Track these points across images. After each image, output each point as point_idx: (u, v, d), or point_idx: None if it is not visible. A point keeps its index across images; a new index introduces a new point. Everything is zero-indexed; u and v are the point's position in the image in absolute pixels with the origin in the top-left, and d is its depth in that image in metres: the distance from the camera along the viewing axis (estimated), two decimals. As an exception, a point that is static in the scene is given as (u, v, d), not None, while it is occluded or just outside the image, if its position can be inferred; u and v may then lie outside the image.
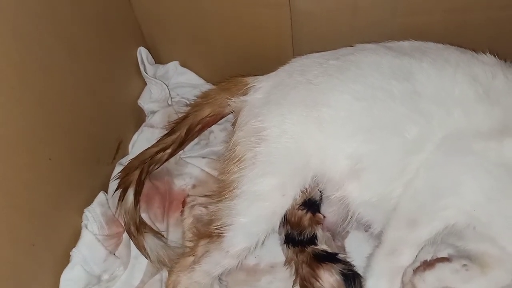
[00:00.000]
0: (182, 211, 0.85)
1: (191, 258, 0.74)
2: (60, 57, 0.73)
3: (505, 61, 0.76)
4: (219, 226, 0.71)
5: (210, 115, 0.88)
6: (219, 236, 0.71)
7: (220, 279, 0.77)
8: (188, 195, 0.89)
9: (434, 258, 0.75)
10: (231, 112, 0.87)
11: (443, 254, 0.75)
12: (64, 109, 0.74)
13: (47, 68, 0.70)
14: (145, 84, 1.00)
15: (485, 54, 0.75)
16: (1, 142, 0.61)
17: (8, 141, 0.63)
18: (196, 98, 0.92)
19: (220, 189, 0.75)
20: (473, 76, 0.71)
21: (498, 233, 0.66)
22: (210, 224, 0.74)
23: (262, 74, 0.84)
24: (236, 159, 0.73)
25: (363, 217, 0.74)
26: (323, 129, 0.72)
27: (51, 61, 0.70)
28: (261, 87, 0.81)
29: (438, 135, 0.68)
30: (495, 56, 0.75)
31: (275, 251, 0.82)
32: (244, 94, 0.82)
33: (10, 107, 0.63)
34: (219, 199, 0.73)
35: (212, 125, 0.92)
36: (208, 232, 0.74)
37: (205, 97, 0.90)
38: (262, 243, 0.73)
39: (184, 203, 0.87)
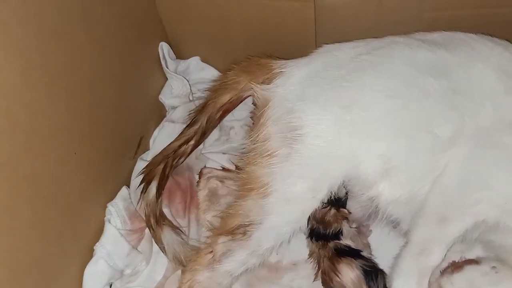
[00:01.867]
0: (198, 182, 0.84)
1: (209, 256, 0.71)
2: (87, 54, 0.73)
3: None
4: (246, 224, 0.68)
5: (230, 100, 0.84)
6: (245, 234, 0.68)
7: None
8: (205, 166, 0.88)
9: (463, 259, 0.74)
10: (253, 98, 0.81)
11: (471, 255, 0.74)
12: (89, 103, 0.74)
13: (74, 64, 0.70)
14: (166, 79, 1.00)
15: None
16: (34, 136, 0.62)
17: (39, 135, 0.63)
18: (214, 81, 0.88)
19: (245, 182, 0.71)
20: (503, 69, 0.69)
21: None
22: (230, 219, 0.71)
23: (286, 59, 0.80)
24: (267, 153, 0.70)
25: (392, 214, 0.72)
26: (356, 132, 0.70)
27: (78, 57, 0.71)
28: (293, 76, 0.76)
29: (470, 130, 0.66)
30: None
31: (298, 248, 0.81)
32: (270, 80, 0.77)
33: (42, 102, 0.63)
34: (245, 194, 0.71)
35: (233, 109, 0.89)
36: (229, 229, 0.70)
37: (223, 80, 0.85)
38: (288, 242, 0.72)
39: (200, 175, 0.86)
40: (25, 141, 0.60)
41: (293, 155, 0.69)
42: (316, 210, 0.76)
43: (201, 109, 0.87)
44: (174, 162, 0.87)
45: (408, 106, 0.69)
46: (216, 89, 0.86)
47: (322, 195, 0.70)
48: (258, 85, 0.78)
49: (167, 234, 0.78)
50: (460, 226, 0.65)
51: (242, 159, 0.77)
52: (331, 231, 0.76)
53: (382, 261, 0.75)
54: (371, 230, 0.81)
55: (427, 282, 0.67)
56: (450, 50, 0.71)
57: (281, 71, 0.78)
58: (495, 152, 0.65)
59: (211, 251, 0.70)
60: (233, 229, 0.70)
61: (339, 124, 0.70)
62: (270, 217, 0.68)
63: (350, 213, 0.79)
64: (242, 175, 0.74)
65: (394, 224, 0.75)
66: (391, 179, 0.69)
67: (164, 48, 0.98)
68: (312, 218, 0.77)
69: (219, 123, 0.91)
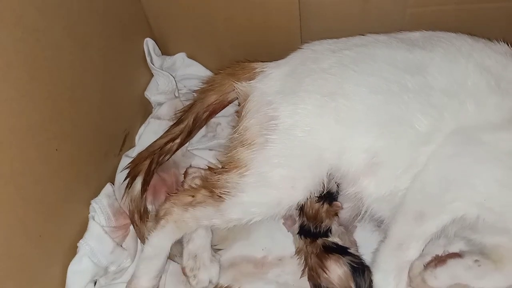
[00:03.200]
0: (183, 182, 0.86)
1: (189, 199, 0.76)
2: (67, 49, 0.72)
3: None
4: (223, 192, 0.73)
5: (216, 101, 0.88)
6: (220, 197, 0.73)
7: (214, 251, 0.80)
8: (190, 166, 0.89)
9: (446, 253, 0.74)
10: (237, 98, 0.85)
11: (454, 249, 0.75)
12: (71, 101, 0.74)
13: (55, 61, 0.69)
14: (152, 75, 0.99)
15: (498, 43, 0.74)
16: (12, 135, 0.61)
17: (18, 134, 0.62)
18: (201, 84, 0.91)
19: (226, 163, 0.76)
20: (485, 66, 0.69)
21: None
22: (214, 184, 0.75)
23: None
24: (246, 143, 0.74)
25: (376, 212, 0.73)
26: (340, 120, 0.71)
27: (59, 53, 0.70)
28: (272, 74, 0.79)
29: (449, 127, 0.67)
30: (508, 45, 0.74)
31: (283, 244, 0.82)
32: (252, 79, 0.81)
33: (20, 100, 0.62)
34: (228, 170, 0.74)
35: (219, 111, 0.91)
36: (211, 188, 0.75)
37: (210, 83, 0.89)
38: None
39: (185, 174, 0.87)
40: (2, 140, 0.60)
41: (269, 144, 0.72)
42: (308, 206, 0.78)
43: (188, 109, 0.89)
44: (160, 159, 0.87)
45: (388, 101, 0.70)
46: (203, 91, 0.89)
47: (303, 186, 0.71)
48: (239, 83, 0.82)
49: (151, 230, 0.77)
50: (438, 223, 0.66)
51: (226, 149, 0.80)
52: (321, 228, 0.76)
53: (367, 258, 0.75)
54: (355, 226, 0.81)
55: (405, 276, 0.68)
56: (429, 49, 0.73)
57: (262, 70, 0.81)
58: (475, 150, 0.65)
59: (193, 196, 0.77)
60: (214, 189, 0.75)
61: (321, 112, 0.71)
62: (242, 194, 0.72)
63: (342, 208, 0.79)
64: (224, 160, 0.78)
65: (378, 223, 0.75)
66: (376, 175, 0.70)
67: (149, 44, 0.97)
68: (304, 214, 0.78)
69: (205, 123, 0.92)
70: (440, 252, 0.75)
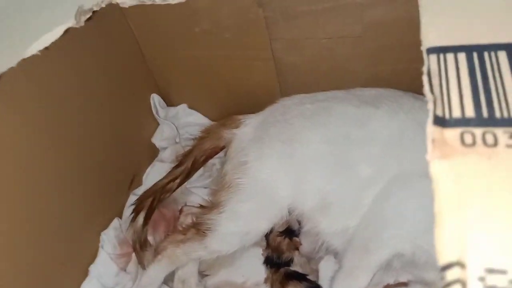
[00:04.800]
0: (178, 218, 1.02)
1: (181, 236, 0.91)
2: (87, 108, 0.89)
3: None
4: (205, 228, 0.88)
5: (211, 147, 1.04)
6: (204, 233, 0.89)
7: (202, 276, 0.95)
8: (185, 204, 1.05)
9: (396, 282, 0.85)
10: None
11: (404, 278, 0.86)
12: (90, 150, 0.91)
13: (77, 123, 0.86)
14: (158, 124, 1.17)
15: None
16: (43, 180, 0.78)
17: (48, 179, 0.79)
18: (199, 133, 1.08)
19: (211, 207, 0.91)
20: (421, 122, 0.81)
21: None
22: (200, 225, 0.91)
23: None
24: (226, 186, 0.90)
25: (331, 245, 0.86)
26: (295, 165, 0.85)
27: (81, 113, 0.87)
28: (249, 123, 0.96)
29: (388, 174, 0.79)
30: None
31: (261, 271, 0.94)
32: (235, 128, 0.98)
33: (49, 151, 0.79)
34: (210, 211, 0.90)
35: (214, 155, 1.07)
36: (198, 227, 0.91)
37: (206, 132, 1.06)
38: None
39: (181, 212, 1.03)
40: (36, 185, 0.77)
41: (240, 186, 0.87)
42: (273, 239, 0.92)
43: (187, 153, 1.05)
44: (162, 196, 1.03)
45: (336, 150, 0.83)
46: (200, 138, 1.06)
47: (267, 219, 0.86)
48: (226, 131, 0.98)
49: (149, 258, 0.94)
50: (380, 257, 0.77)
51: (212, 192, 0.97)
52: (283, 259, 0.90)
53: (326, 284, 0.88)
54: (321, 257, 0.94)
55: None
56: (375, 105, 0.85)
57: (243, 121, 0.97)
58: (406, 195, 0.76)
59: (184, 234, 0.92)
60: (200, 227, 0.90)
61: (281, 157, 0.86)
62: (220, 228, 0.87)
63: (301, 244, 0.92)
64: (211, 203, 0.95)
65: (335, 255, 0.88)
66: (327, 214, 0.83)
67: (155, 99, 1.15)
68: (269, 246, 0.92)
69: (202, 166, 1.08)
70: (391, 281, 0.85)
